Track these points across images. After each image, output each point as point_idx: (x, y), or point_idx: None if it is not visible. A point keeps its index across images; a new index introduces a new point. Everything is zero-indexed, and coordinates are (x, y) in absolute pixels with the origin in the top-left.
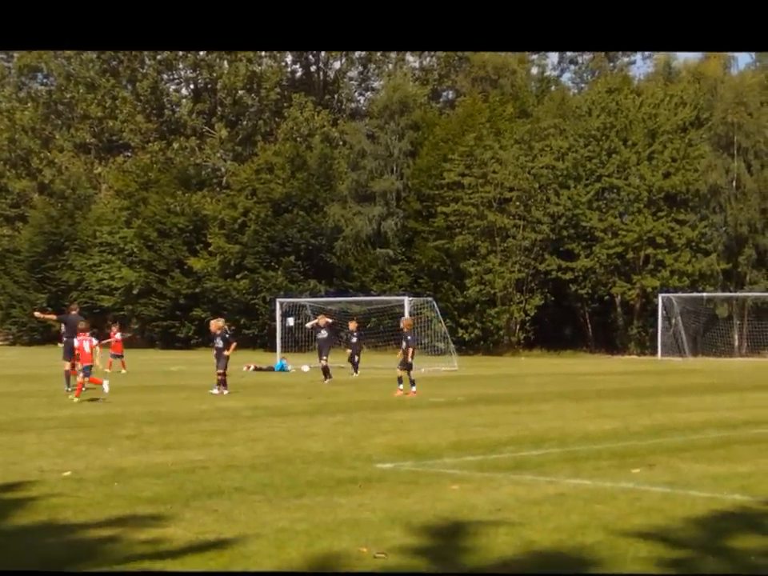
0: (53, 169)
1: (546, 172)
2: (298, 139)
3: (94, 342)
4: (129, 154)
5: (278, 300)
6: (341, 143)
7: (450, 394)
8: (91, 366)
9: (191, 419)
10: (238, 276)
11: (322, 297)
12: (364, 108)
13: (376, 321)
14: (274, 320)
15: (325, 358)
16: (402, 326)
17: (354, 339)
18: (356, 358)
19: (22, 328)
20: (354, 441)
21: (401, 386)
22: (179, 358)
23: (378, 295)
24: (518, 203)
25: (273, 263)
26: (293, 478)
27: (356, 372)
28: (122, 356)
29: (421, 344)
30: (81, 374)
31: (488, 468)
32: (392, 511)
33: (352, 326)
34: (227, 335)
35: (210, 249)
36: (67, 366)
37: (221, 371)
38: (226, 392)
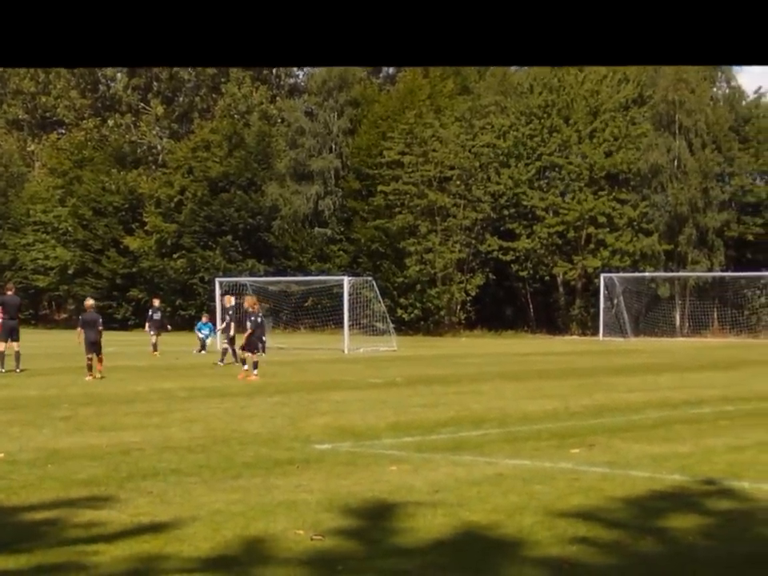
0: None
1: (487, 150)
2: (236, 116)
3: None
4: (63, 131)
5: (218, 280)
6: (279, 121)
7: (388, 375)
8: None
9: (127, 401)
10: (175, 255)
11: (261, 276)
12: (303, 84)
13: (314, 300)
14: (213, 300)
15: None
16: (246, 305)
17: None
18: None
19: None
20: (292, 422)
21: (245, 367)
22: (116, 339)
23: (317, 275)
24: (458, 182)
25: (210, 243)
26: (229, 459)
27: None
28: None
29: (359, 324)
30: None
31: (427, 449)
32: (329, 493)
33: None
34: (259, 317)
35: (146, 228)
36: (2, 347)
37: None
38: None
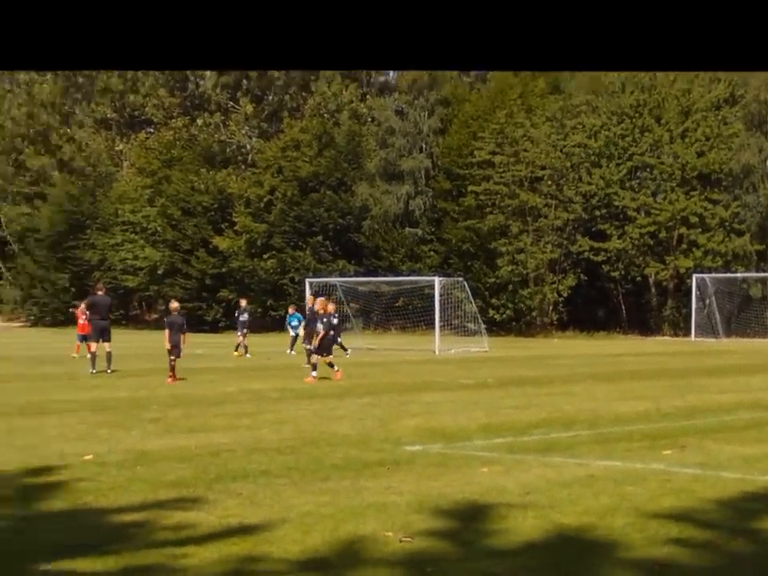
0: (73, 145)
1: (579, 150)
2: (326, 115)
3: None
4: (151, 130)
5: (308, 280)
6: (369, 120)
7: (480, 376)
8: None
9: (217, 402)
10: (264, 256)
11: (351, 277)
12: (393, 81)
13: (405, 301)
14: (304, 301)
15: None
16: (317, 307)
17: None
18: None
19: (44, 309)
20: (383, 423)
21: (314, 374)
22: (205, 341)
23: (408, 275)
24: (549, 182)
25: (300, 243)
26: (319, 461)
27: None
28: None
29: (451, 325)
30: None
31: (518, 450)
32: (420, 494)
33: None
34: (334, 318)
35: (235, 228)
36: (93, 347)
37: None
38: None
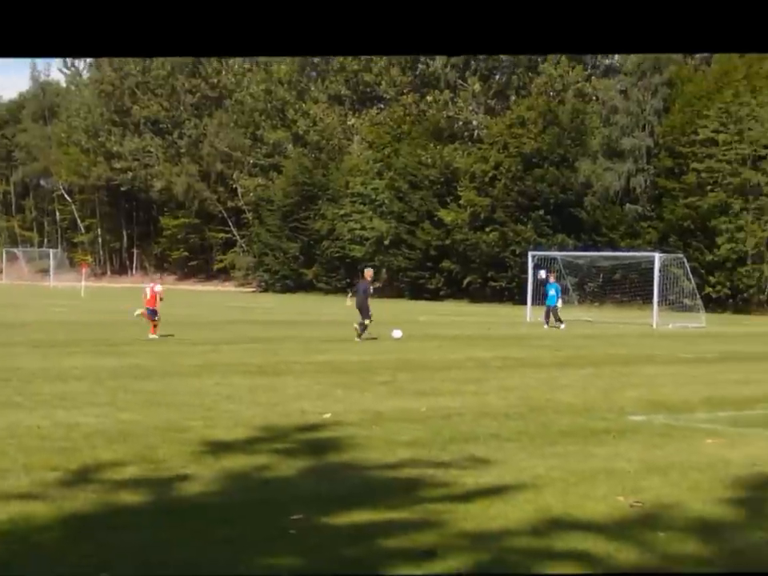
0: (307, 120)
1: None
2: (551, 94)
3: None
4: (382, 106)
5: (530, 253)
6: (593, 99)
7: (699, 350)
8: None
9: (443, 367)
10: (487, 229)
11: (570, 251)
12: (617, 65)
13: (623, 274)
14: (525, 273)
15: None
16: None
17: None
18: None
19: (275, 276)
20: (605, 393)
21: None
22: (427, 308)
23: (627, 251)
24: None
25: (522, 217)
26: (546, 427)
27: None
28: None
29: (667, 300)
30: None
31: (741, 424)
32: (647, 462)
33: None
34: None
35: (460, 202)
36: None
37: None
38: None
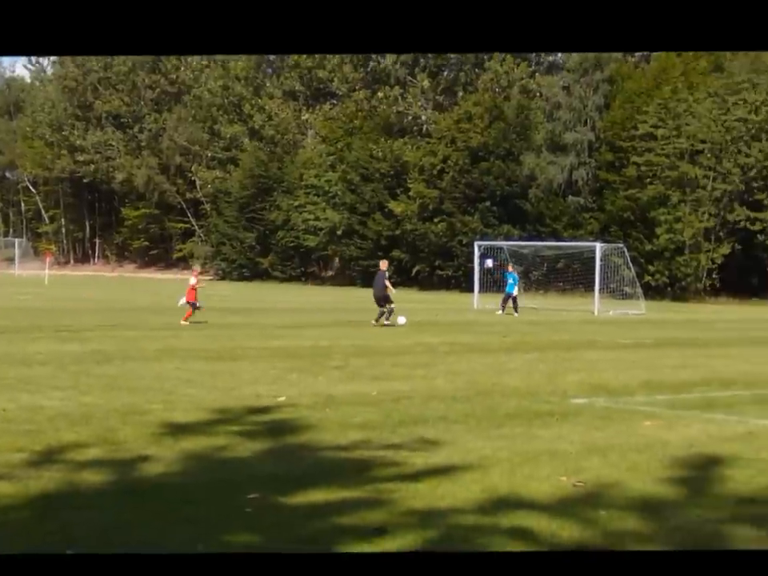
0: (263, 115)
1: (739, 124)
2: (497, 90)
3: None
4: (335, 102)
5: (477, 242)
6: (537, 95)
7: (638, 337)
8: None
9: (393, 353)
10: (435, 220)
11: (516, 241)
12: (561, 62)
13: (565, 263)
14: (471, 262)
15: None
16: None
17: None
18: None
19: (232, 264)
20: (549, 377)
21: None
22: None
23: (570, 241)
24: (709, 155)
25: (469, 208)
26: (492, 409)
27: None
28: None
29: (608, 288)
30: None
31: (679, 407)
32: (588, 443)
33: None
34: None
35: (409, 193)
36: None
37: None
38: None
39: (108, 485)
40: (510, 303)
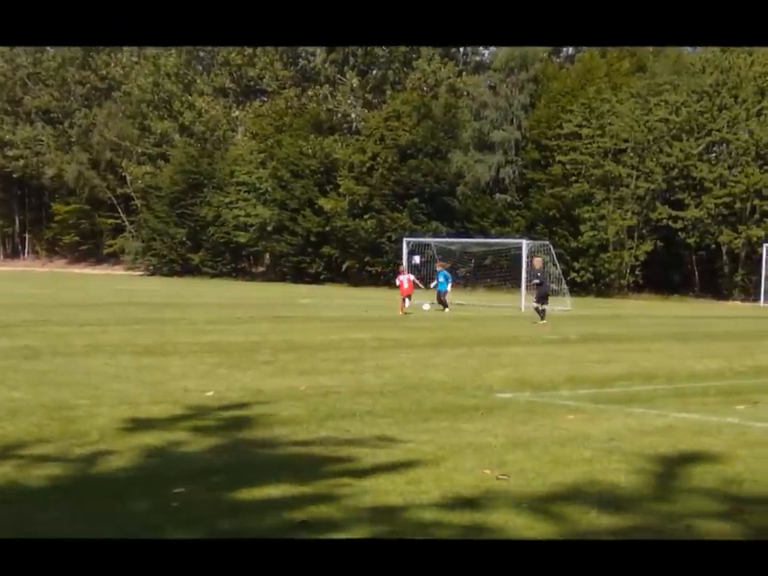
0: (193, 111)
1: (660, 125)
2: (425, 89)
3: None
4: (265, 99)
5: (405, 239)
6: (465, 94)
7: (563, 332)
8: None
9: (322, 348)
10: (365, 216)
11: (444, 237)
12: (487, 61)
13: (492, 259)
14: (400, 258)
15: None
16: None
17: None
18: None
19: (162, 260)
20: (476, 372)
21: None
22: (309, 291)
23: (497, 238)
24: (632, 154)
25: (398, 205)
26: (419, 404)
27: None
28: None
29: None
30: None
31: (601, 401)
32: (513, 437)
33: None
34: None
35: (339, 190)
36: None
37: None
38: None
39: (33, 479)
40: (442, 299)
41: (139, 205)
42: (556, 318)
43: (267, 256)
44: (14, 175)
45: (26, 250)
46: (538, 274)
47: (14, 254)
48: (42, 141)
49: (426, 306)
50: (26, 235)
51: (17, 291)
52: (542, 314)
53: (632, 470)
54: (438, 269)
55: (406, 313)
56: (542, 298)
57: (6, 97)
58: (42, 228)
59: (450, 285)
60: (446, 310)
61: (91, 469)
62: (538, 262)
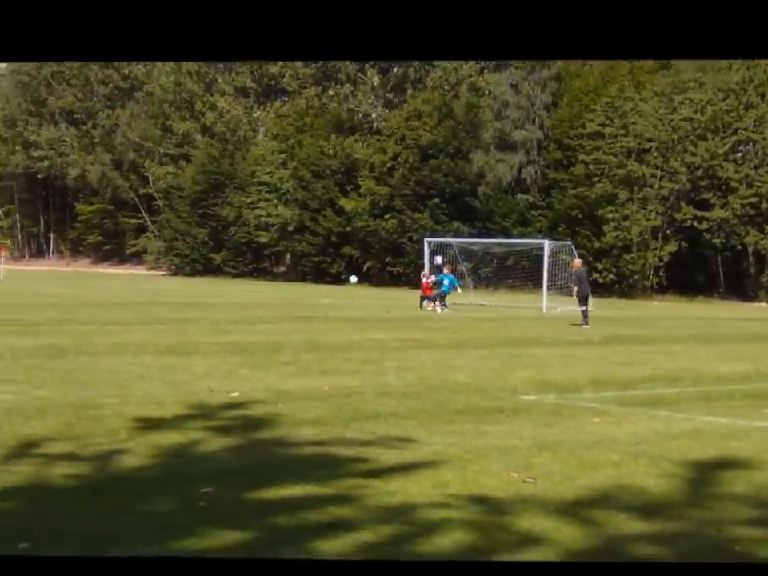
0: (215, 112)
1: (685, 124)
2: (446, 88)
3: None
4: (286, 99)
5: (426, 239)
6: (486, 93)
7: (585, 333)
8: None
9: (344, 348)
10: (386, 216)
11: (465, 238)
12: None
13: (514, 260)
14: (421, 258)
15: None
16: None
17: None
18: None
19: (184, 260)
20: (498, 374)
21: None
22: (329, 291)
23: (519, 238)
24: (656, 154)
25: (419, 205)
26: (443, 405)
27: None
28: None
29: (556, 285)
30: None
31: (626, 403)
32: (538, 440)
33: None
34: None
35: (360, 190)
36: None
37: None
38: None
39: (64, 478)
40: (442, 298)
41: (161, 205)
42: (578, 319)
43: (288, 256)
44: (39, 176)
45: (51, 250)
46: (573, 275)
47: (39, 253)
48: (66, 142)
49: (354, 279)
50: (51, 235)
51: (42, 291)
52: (585, 316)
53: (660, 473)
54: (445, 272)
55: (428, 310)
56: (583, 300)
57: (31, 98)
58: (66, 228)
59: (452, 289)
60: (443, 310)
61: (118, 467)
62: (577, 263)
